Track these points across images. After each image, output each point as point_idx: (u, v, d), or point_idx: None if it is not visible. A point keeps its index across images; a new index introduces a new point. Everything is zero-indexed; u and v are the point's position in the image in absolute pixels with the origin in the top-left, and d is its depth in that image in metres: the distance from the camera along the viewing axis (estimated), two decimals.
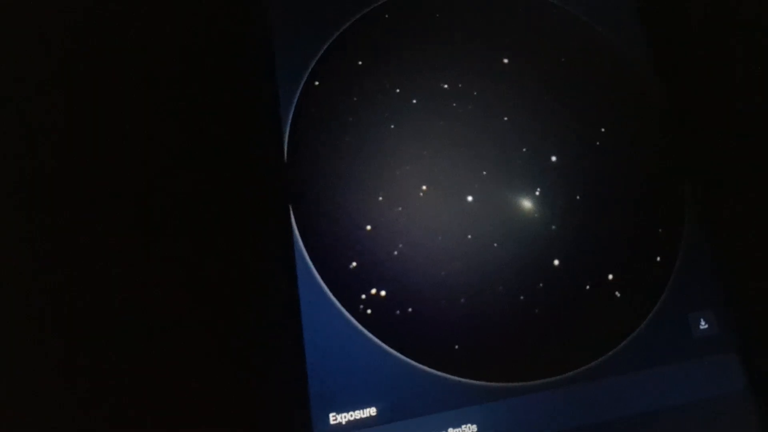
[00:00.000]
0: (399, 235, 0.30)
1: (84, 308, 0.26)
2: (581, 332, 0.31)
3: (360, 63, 0.33)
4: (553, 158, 0.33)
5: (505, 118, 0.33)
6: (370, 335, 0.28)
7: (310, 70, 0.32)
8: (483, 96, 0.34)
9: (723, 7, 0.35)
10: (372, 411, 0.28)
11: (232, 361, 0.27)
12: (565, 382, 0.30)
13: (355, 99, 0.32)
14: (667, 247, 0.34)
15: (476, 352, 0.29)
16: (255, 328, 0.27)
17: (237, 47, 0.31)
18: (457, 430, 0.28)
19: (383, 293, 0.29)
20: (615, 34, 0.37)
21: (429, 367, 0.29)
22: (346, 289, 0.29)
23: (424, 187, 0.31)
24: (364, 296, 0.29)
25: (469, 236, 0.31)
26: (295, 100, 0.31)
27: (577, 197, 0.33)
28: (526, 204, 0.32)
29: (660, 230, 0.34)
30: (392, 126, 0.32)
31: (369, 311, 0.29)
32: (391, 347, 0.29)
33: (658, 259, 0.33)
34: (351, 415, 0.27)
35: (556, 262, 0.32)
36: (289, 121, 0.31)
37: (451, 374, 0.29)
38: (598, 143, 0.34)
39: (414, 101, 0.33)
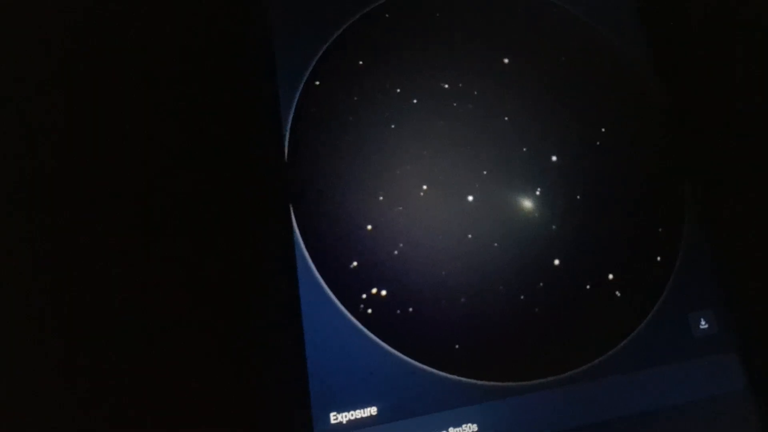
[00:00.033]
0: (399, 234, 0.30)
1: (84, 308, 0.26)
2: (581, 332, 0.31)
3: (360, 63, 0.33)
4: (554, 158, 0.33)
5: (506, 118, 0.33)
6: (370, 335, 0.28)
7: (310, 70, 0.32)
8: (483, 96, 0.34)
9: (723, 7, 0.35)
10: (373, 410, 0.28)
11: (232, 361, 0.27)
12: (566, 381, 0.30)
13: (355, 99, 0.32)
14: (667, 247, 0.34)
15: (477, 352, 0.29)
16: (255, 328, 0.27)
17: (237, 47, 0.31)
18: (457, 429, 0.28)
19: (384, 293, 0.29)
20: (615, 34, 0.37)
21: (429, 366, 0.29)
22: (347, 288, 0.29)
23: (424, 187, 0.31)
24: (364, 296, 0.29)
25: (470, 236, 0.31)
26: (296, 100, 0.31)
27: (578, 197, 0.33)
28: (527, 204, 0.32)
29: (660, 230, 0.34)
30: (393, 126, 0.32)
31: (369, 311, 0.29)
32: (392, 347, 0.28)
33: (658, 259, 0.33)
34: (351, 415, 0.27)
35: (557, 261, 0.32)
36: (290, 121, 0.31)
37: (452, 374, 0.29)
38: (598, 143, 0.34)
39: (414, 101, 0.33)
